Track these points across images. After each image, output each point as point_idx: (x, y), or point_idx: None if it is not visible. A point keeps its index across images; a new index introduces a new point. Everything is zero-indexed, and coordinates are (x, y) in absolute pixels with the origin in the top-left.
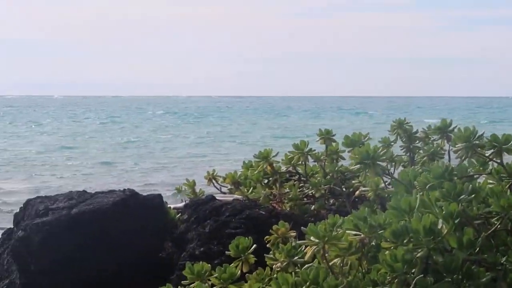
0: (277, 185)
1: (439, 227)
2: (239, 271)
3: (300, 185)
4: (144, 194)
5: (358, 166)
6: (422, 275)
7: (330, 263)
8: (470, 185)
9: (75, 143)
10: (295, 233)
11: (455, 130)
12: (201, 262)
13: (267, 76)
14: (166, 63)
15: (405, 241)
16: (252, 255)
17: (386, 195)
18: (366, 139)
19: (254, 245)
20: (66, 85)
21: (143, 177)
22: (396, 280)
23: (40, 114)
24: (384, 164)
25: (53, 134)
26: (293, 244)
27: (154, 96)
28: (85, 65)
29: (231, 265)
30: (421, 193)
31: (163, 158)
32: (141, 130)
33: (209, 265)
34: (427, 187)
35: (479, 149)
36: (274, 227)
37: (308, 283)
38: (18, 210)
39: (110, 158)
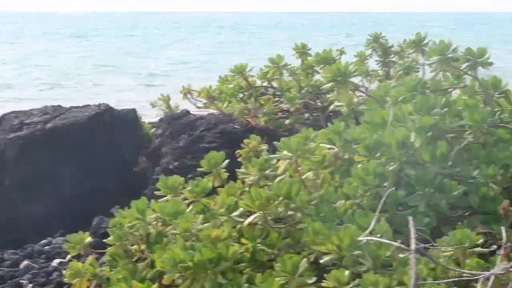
0: (252, 99)
1: (412, 140)
2: (212, 185)
3: (275, 99)
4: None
5: (330, 84)
6: (394, 188)
7: (303, 177)
8: (444, 99)
9: None
10: (266, 146)
11: (430, 43)
12: (175, 176)
13: None
14: None
15: (377, 154)
16: (224, 170)
17: (360, 110)
18: (338, 55)
19: (227, 160)
20: None
21: None
22: (368, 193)
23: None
24: (357, 80)
25: None
26: (266, 157)
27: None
28: None
29: (204, 179)
30: (394, 107)
31: None
32: None
33: (182, 178)
34: (399, 99)
35: (453, 62)
36: (246, 140)
37: (281, 198)
38: None
39: None
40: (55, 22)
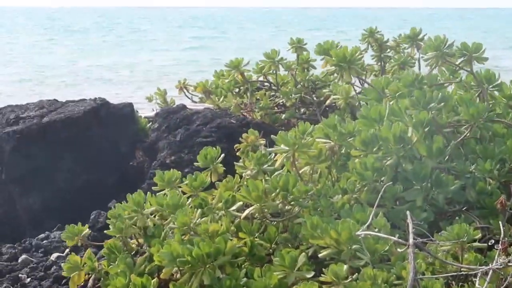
0: (248, 94)
1: (409, 135)
2: (209, 179)
3: (271, 94)
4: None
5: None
6: (391, 183)
7: (300, 171)
8: (440, 94)
9: None
10: (264, 141)
11: (425, 38)
12: (172, 170)
13: None
14: None
15: (374, 149)
16: (220, 165)
17: (356, 104)
18: (339, 47)
19: (223, 154)
20: None
21: None
22: (365, 188)
23: None
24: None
25: None
26: (263, 152)
27: None
28: None
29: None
30: (391, 102)
31: None
32: None
33: (179, 172)
34: (397, 95)
35: (449, 57)
36: (244, 135)
37: (278, 190)
38: None
39: None
40: (43, 17)
